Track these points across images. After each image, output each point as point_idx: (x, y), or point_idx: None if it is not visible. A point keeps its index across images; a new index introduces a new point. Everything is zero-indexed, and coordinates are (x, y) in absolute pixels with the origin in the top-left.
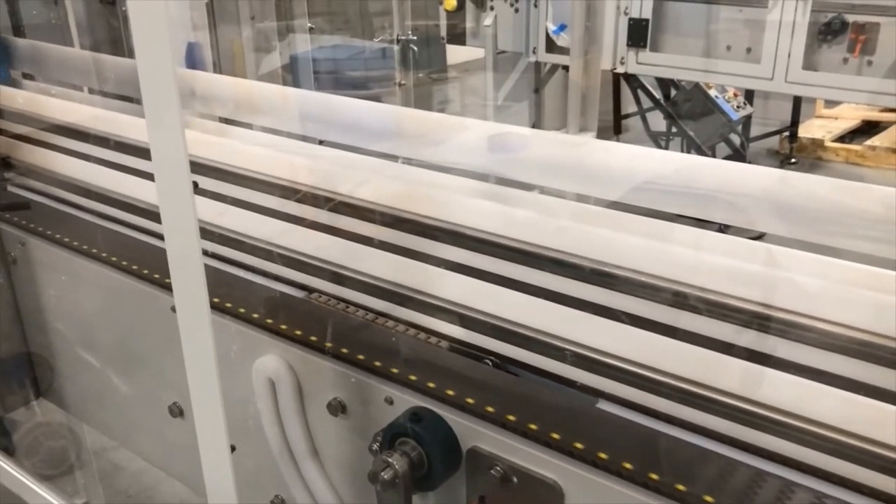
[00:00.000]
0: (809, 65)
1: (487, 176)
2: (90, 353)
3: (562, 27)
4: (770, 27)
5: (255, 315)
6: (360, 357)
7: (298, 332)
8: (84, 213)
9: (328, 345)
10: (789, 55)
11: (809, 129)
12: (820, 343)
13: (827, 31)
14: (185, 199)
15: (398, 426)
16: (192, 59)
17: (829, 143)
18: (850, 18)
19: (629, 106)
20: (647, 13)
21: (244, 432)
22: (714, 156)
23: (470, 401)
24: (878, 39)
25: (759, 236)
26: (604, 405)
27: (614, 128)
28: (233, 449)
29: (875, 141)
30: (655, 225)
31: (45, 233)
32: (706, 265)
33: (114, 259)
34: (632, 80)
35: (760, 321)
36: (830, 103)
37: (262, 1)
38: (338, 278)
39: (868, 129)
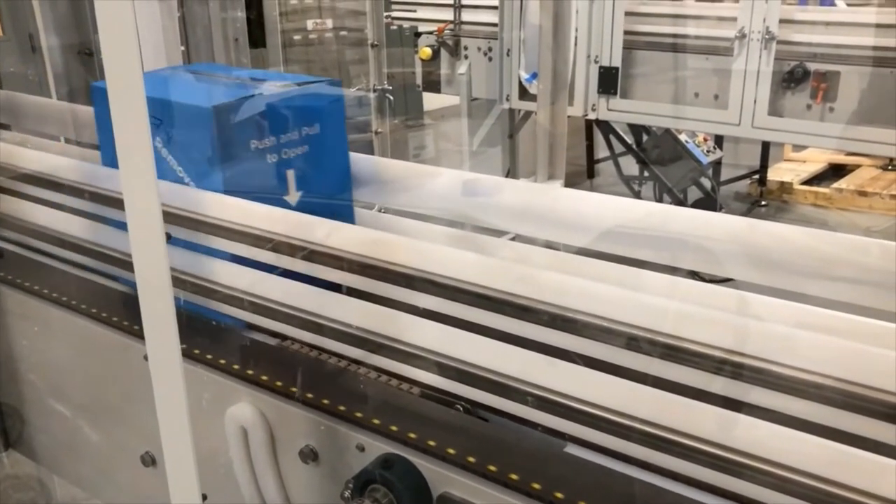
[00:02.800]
0: (775, 111)
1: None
2: (62, 402)
3: (534, 75)
4: (736, 75)
5: (228, 363)
6: (332, 404)
7: (271, 380)
8: (56, 262)
9: (300, 392)
10: (755, 102)
11: (778, 173)
12: (786, 388)
13: (790, 79)
14: (157, 248)
15: (368, 473)
16: None
17: (797, 187)
18: (812, 67)
19: (603, 151)
20: (617, 61)
21: (216, 481)
22: (686, 199)
23: (440, 447)
24: (839, 87)
25: (725, 281)
26: (572, 449)
27: (588, 172)
28: (204, 498)
29: (841, 184)
30: (611, 270)
31: (16, 282)
32: (665, 309)
33: (85, 308)
34: (604, 126)
35: (726, 366)
36: (798, 147)
37: (237, 50)
38: (308, 325)
39: (834, 172)
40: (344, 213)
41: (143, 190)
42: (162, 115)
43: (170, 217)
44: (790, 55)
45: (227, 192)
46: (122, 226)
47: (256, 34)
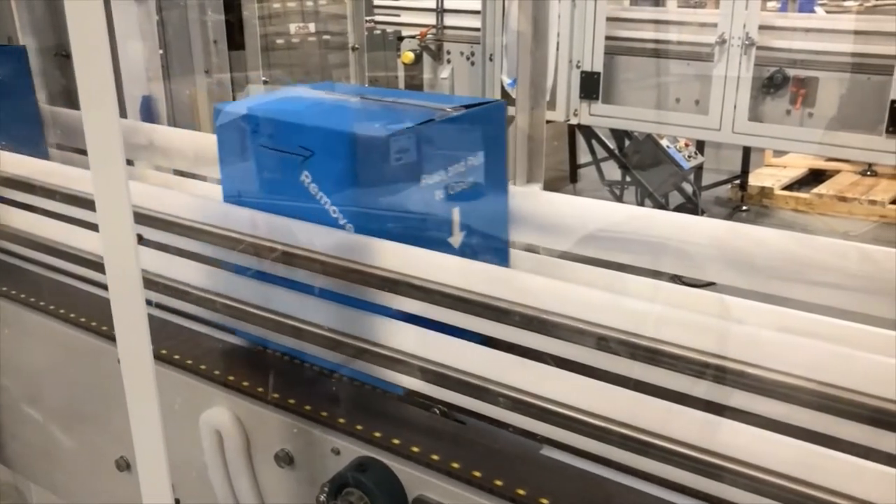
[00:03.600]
0: (755, 116)
1: None
2: (36, 408)
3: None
4: (716, 81)
5: (203, 367)
6: (307, 408)
7: (246, 384)
8: (30, 265)
9: (275, 396)
10: (735, 107)
11: (759, 178)
12: (766, 391)
13: (770, 85)
14: (128, 249)
15: (343, 476)
16: (147, 112)
17: (777, 192)
18: (791, 73)
19: (586, 156)
20: (599, 66)
21: (191, 485)
22: (667, 204)
23: (415, 449)
24: (818, 93)
25: (708, 285)
26: (547, 451)
27: (570, 177)
28: (177, 502)
29: (821, 189)
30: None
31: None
32: (646, 312)
33: (61, 312)
34: (586, 131)
35: (707, 370)
36: (779, 153)
37: (218, 54)
38: (287, 329)
39: (815, 177)
40: (501, 256)
41: (113, 189)
42: (314, 145)
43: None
44: (770, 61)
45: (393, 237)
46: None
47: (237, 37)
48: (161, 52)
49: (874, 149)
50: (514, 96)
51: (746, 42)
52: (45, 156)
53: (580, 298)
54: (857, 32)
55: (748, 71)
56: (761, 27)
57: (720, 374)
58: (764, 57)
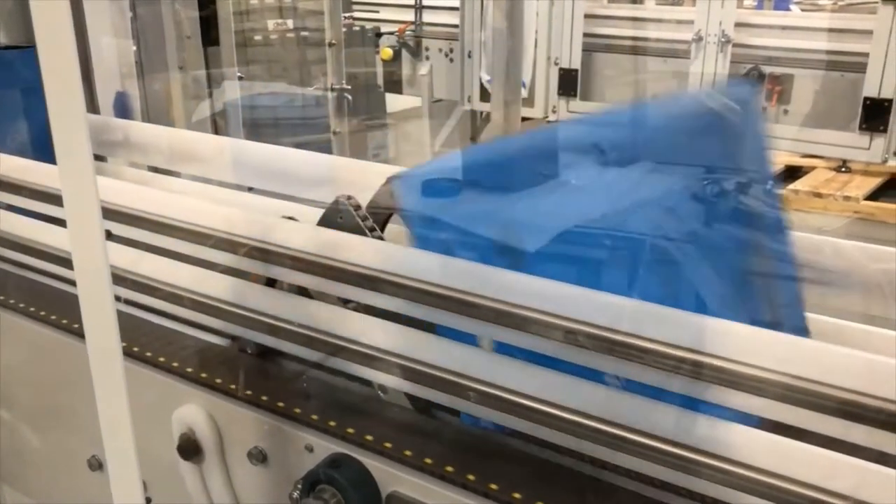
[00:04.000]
0: None
1: None
2: (6, 408)
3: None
4: (693, 78)
5: (175, 364)
6: (280, 405)
7: (219, 381)
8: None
9: (248, 393)
10: None
11: None
12: (736, 385)
13: (745, 82)
14: (96, 245)
15: (316, 473)
16: (121, 109)
17: None
18: (767, 70)
19: None
20: (577, 63)
21: (164, 484)
22: None
23: (389, 445)
24: (793, 90)
25: None
26: (522, 446)
27: None
28: (149, 501)
29: (797, 185)
30: None
31: None
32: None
33: (31, 309)
34: None
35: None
36: None
37: (191, 50)
38: (259, 326)
39: (791, 173)
40: None
41: (82, 185)
42: None
43: None
44: (746, 58)
45: None
46: None
47: (213, 33)
48: (134, 48)
49: (848, 145)
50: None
51: (723, 39)
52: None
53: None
54: (831, 30)
55: (724, 68)
56: (737, 24)
57: (694, 369)
58: (740, 54)
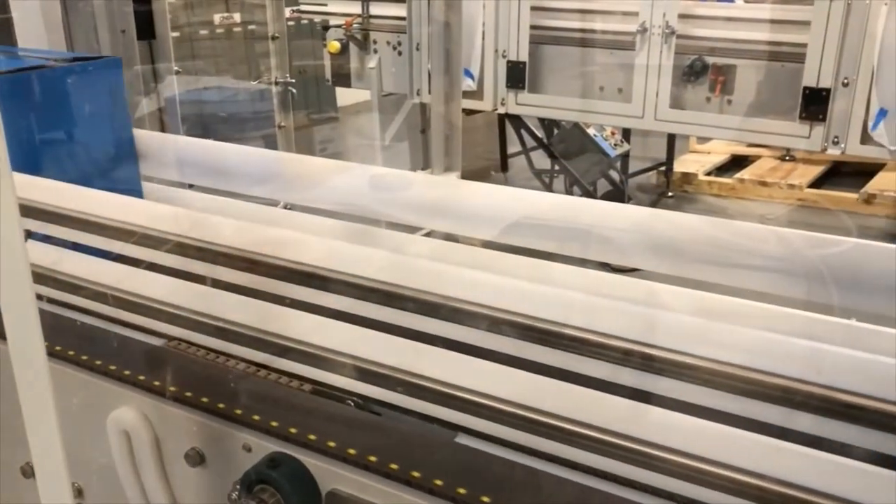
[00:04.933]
0: (676, 104)
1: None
2: None
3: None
4: (638, 69)
5: (109, 366)
6: (217, 405)
7: (153, 382)
8: None
9: (184, 394)
10: (657, 95)
11: (684, 164)
12: (688, 377)
13: (690, 73)
14: (15, 243)
15: (255, 473)
16: None
17: (701, 177)
18: (710, 60)
19: (516, 145)
20: (524, 56)
21: (101, 488)
22: (596, 191)
23: (328, 443)
24: (736, 80)
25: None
26: (462, 439)
27: (501, 166)
28: None
29: (743, 174)
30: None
31: None
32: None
33: None
34: (515, 120)
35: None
36: (703, 139)
37: (126, 44)
38: (195, 326)
39: (737, 162)
40: None
41: None
42: None
43: None
44: (690, 49)
45: None
46: None
47: (151, 27)
48: (66, 42)
49: (789, 134)
50: None
51: (667, 31)
52: (139, 193)
53: (499, 285)
54: (772, 21)
55: (669, 59)
56: (681, 16)
57: (645, 361)
58: (684, 45)
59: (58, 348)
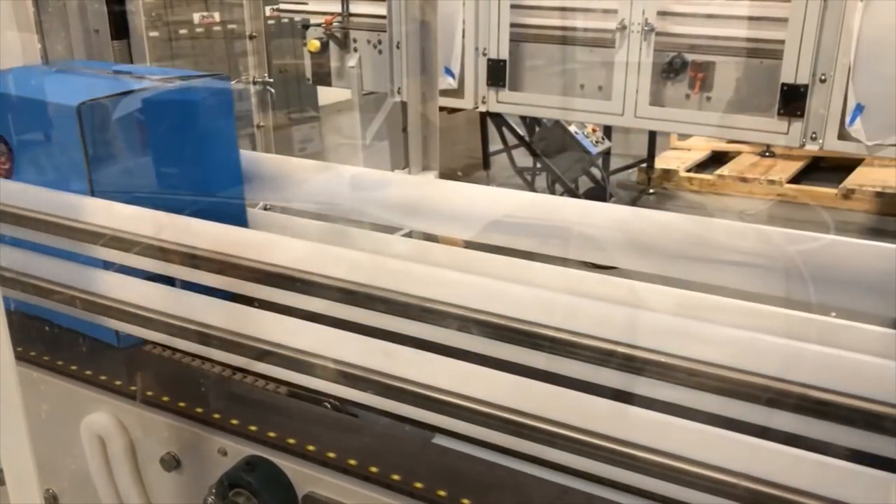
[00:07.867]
0: (656, 101)
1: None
2: None
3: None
4: (618, 67)
5: (87, 372)
6: (192, 409)
7: (127, 387)
8: None
9: (158, 398)
10: (637, 92)
11: (665, 161)
12: (669, 377)
13: (669, 70)
14: None
15: (231, 477)
16: None
17: (682, 174)
18: (690, 57)
19: (498, 143)
20: (505, 54)
21: (77, 494)
22: (577, 189)
23: (304, 446)
24: (715, 77)
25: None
26: (440, 440)
27: (483, 164)
28: None
29: (724, 170)
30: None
31: None
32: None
33: None
34: (496, 118)
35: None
36: (683, 136)
37: (99, 44)
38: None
39: (718, 159)
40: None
41: None
42: None
43: None
44: (669, 46)
45: None
46: None
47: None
48: (39, 43)
49: (768, 130)
50: None
51: (646, 28)
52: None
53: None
54: (750, 18)
55: (648, 56)
56: (660, 13)
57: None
58: (664, 42)
59: (33, 354)
